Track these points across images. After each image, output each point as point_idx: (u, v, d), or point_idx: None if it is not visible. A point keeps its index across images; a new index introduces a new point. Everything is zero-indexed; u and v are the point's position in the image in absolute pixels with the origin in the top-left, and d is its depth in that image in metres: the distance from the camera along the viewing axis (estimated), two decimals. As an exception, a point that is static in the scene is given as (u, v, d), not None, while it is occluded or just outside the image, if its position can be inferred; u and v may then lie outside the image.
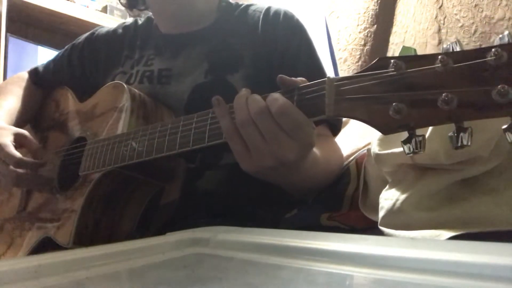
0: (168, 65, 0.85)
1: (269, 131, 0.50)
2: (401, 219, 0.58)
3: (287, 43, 0.81)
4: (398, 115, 0.42)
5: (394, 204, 0.60)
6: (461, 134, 0.40)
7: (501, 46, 0.37)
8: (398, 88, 0.43)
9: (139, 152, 0.65)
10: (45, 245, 0.76)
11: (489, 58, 0.38)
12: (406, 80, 0.42)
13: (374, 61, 0.45)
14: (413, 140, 0.43)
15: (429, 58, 0.41)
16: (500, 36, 0.38)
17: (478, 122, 0.52)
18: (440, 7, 1.19)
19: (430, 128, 0.57)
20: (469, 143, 0.40)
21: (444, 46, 0.41)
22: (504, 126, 0.38)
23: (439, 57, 0.40)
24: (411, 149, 0.43)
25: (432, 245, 0.35)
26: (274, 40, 0.81)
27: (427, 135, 0.57)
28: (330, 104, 0.48)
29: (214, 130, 0.57)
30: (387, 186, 0.65)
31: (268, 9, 0.86)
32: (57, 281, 0.35)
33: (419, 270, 0.30)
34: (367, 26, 1.45)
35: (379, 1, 1.43)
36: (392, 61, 0.43)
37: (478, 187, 0.57)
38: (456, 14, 1.14)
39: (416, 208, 0.58)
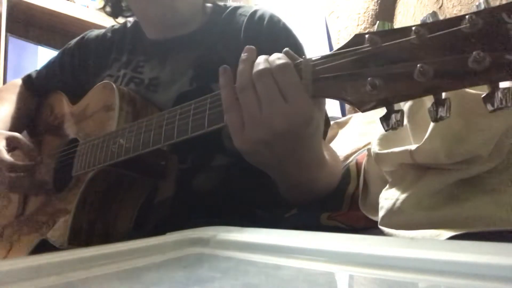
0: (156, 74, 0.84)
1: (266, 92, 0.50)
2: (401, 218, 0.58)
3: (271, 48, 0.77)
4: (375, 90, 0.41)
5: (394, 204, 0.60)
6: (440, 106, 0.39)
7: (476, 13, 0.37)
8: (373, 63, 0.42)
9: (126, 149, 0.65)
10: (43, 248, 0.76)
11: (463, 26, 0.37)
12: (381, 55, 0.42)
13: (350, 38, 0.44)
14: (392, 116, 0.42)
15: (404, 31, 0.40)
16: (477, 4, 0.37)
17: (478, 122, 0.52)
18: (440, 7, 1.19)
19: (430, 127, 0.57)
20: (448, 115, 0.39)
21: (421, 18, 0.40)
22: (483, 95, 0.37)
23: (413, 28, 0.39)
24: (390, 125, 0.42)
25: (432, 245, 0.35)
26: (258, 47, 0.78)
27: (427, 135, 0.57)
28: (307, 85, 0.48)
29: (196, 121, 0.57)
30: (387, 186, 0.65)
31: (254, 13, 0.83)
32: (57, 281, 0.35)
33: (419, 270, 0.30)
34: (367, 26, 1.45)
35: (379, 1, 1.43)
36: (367, 36, 0.42)
37: (478, 187, 0.57)
38: (456, 14, 1.14)
39: (416, 208, 0.58)
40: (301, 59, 0.50)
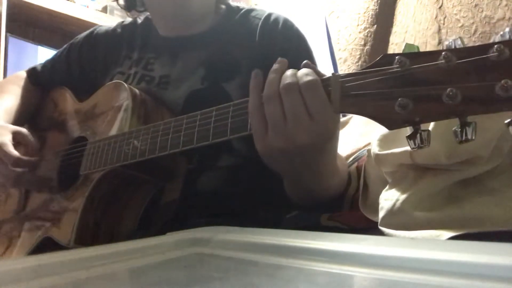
0: (167, 71, 0.84)
1: (292, 107, 0.50)
2: (401, 219, 0.58)
3: (285, 51, 0.77)
4: (404, 110, 0.43)
5: (394, 205, 0.60)
6: (466, 128, 0.41)
7: (503, 42, 0.38)
8: (403, 84, 0.43)
9: (141, 151, 0.65)
10: (46, 245, 0.75)
11: (491, 54, 0.39)
12: (411, 76, 0.43)
13: (379, 58, 0.45)
14: (418, 135, 0.44)
15: (433, 55, 0.42)
16: (502, 33, 0.39)
17: (478, 122, 0.52)
18: (440, 7, 1.19)
19: (430, 128, 0.57)
20: (473, 137, 0.41)
21: (446, 43, 0.42)
22: (507, 121, 0.39)
23: (443, 53, 0.41)
24: (417, 144, 0.44)
25: (432, 245, 0.35)
26: (272, 49, 0.79)
27: (427, 135, 0.57)
28: (335, 101, 0.49)
29: (218, 128, 0.57)
30: (387, 187, 0.65)
31: (268, 16, 0.84)
32: (57, 281, 0.35)
33: (419, 270, 0.30)
34: (367, 26, 1.45)
35: (379, 1, 1.43)
36: (396, 57, 0.44)
37: (478, 187, 0.57)
38: (456, 14, 1.14)
39: (416, 208, 0.58)
40: (329, 76, 0.50)
